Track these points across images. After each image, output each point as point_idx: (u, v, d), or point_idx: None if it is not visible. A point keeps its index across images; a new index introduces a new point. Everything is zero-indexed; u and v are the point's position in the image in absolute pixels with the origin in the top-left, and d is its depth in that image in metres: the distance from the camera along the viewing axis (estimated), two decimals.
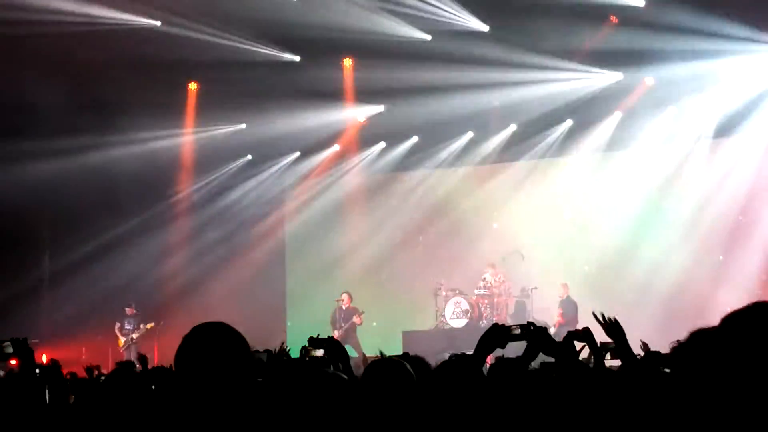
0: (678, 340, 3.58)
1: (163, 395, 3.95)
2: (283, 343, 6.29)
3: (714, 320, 2.80)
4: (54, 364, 4.98)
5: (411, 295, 20.53)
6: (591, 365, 5.28)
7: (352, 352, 17.73)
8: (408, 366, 4.14)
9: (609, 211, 19.64)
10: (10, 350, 4.70)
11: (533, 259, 19.52)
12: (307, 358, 5.53)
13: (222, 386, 2.87)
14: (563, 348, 4.86)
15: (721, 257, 18.62)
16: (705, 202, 18.67)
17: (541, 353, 4.55)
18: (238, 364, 2.93)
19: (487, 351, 4.43)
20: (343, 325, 18.57)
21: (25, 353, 4.65)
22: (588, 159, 20.03)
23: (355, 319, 18.57)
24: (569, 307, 18.04)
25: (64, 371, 5.73)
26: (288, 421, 3.43)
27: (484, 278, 18.98)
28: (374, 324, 19.05)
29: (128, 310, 18.56)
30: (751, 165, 18.49)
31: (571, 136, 19.91)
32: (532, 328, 4.50)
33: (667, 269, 18.49)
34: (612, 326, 5.10)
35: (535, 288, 18.72)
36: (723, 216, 18.53)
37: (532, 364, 4.65)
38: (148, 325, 18.25)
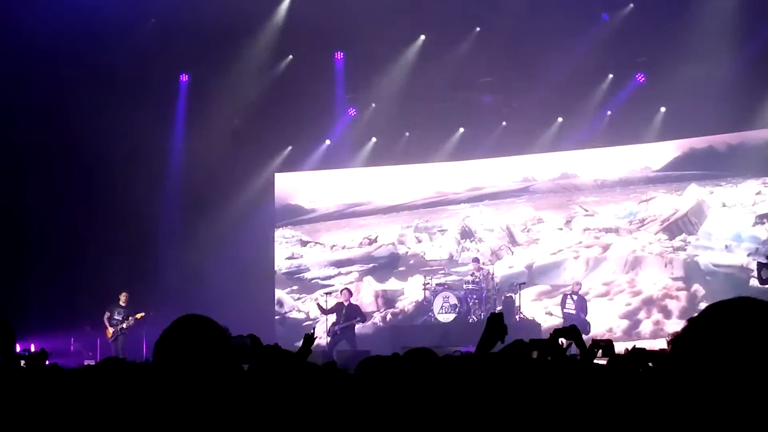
0: (675, 332, 3.58)
1: (141, 389, 3.93)
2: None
3: None
4: (42, 352, 4.88)
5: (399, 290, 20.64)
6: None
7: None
8: (399, 363, 4.15)
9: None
10: None
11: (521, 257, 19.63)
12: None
13: (200, 379, 2.86)
14: (548, 344, 4.87)
15: None
16: None
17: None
18: (216, 357, 2.91)
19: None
20: (342, 321, 18.11)
21: (5, 336, 4.43)
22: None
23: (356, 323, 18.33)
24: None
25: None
26: (277, 413, 3.41)
27: (472, 273, 19.00)
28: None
29: (122, 297, 18.32)
30: None
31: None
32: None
33: None
34: (566, 331, 5.12)
35: (524, 283, 18.82)
36: None
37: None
38: (138, 315, 18.06)
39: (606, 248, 19.61)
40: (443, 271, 19.84)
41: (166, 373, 2.87)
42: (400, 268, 21.19)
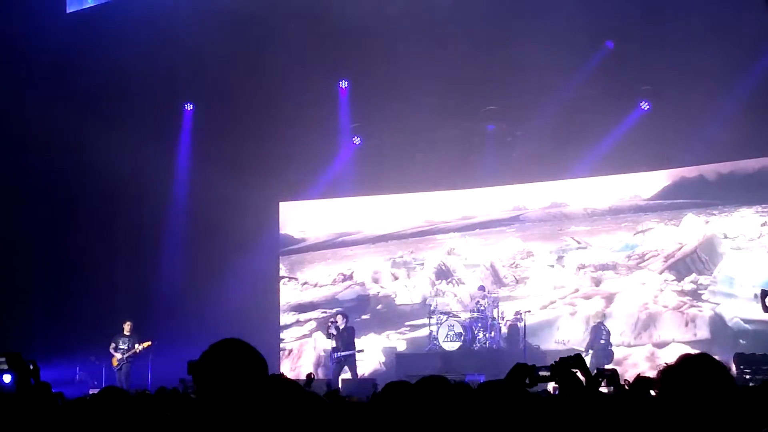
0: (666, 363, 3.59)
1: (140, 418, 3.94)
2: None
3: None
4: (45, 384, 4.88)
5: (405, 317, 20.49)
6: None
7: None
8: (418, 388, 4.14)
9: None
10: (4, 366, 4.46)
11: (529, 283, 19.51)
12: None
13: (243, 404, 2.87)
14: (557, 370, 4.85)
15: None
16: None
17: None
18: (259, 383, 2.92)
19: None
20: (339, 345, 17.95)
21: (21, 369, 4.48)
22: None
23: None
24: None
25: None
26: None
27: (477, 301, 18.87)
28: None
29: (126, 327, 18.27)
30: None
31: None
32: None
33: None
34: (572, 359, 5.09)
35: (529, 311, 18.49)
36: None
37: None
38: (144, 344, 18.03)
39: (609, 300, 18.82)
40: (409, 325, 19.40)
41: (209, 396, 2.87)
42: (364, 317, 20.54)
